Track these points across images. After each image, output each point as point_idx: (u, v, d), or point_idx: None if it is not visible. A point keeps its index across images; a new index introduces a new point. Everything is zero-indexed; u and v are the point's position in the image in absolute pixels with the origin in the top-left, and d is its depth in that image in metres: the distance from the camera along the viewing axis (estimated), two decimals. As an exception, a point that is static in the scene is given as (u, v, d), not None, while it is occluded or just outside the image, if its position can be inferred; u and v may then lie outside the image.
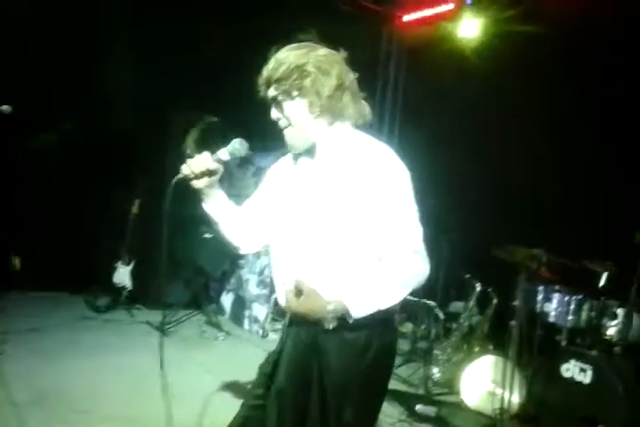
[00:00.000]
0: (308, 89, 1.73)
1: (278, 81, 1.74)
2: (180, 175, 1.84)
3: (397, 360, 4.70)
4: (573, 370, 3.42)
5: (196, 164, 1.81)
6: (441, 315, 4.74)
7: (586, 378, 3.35)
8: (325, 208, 1.74)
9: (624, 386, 3.10)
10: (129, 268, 5.55)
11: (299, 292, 1.68)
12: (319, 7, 6.12)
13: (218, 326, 5.27)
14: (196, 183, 1.84)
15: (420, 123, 6.51)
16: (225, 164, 1.88)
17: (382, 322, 1.77)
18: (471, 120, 5.80)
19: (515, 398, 3.62)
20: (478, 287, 4.48)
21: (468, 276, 4.61)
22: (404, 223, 1.71)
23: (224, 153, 1.86)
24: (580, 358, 3.41)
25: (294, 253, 1.82)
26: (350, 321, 1.68)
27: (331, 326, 1.68)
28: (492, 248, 3.94)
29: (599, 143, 4.59)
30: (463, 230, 5.11)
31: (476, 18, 5.83)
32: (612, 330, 3.55)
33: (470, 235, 5.10)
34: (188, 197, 1.94)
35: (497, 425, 3.56)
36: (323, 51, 1.79)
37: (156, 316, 5.26)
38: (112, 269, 5.57)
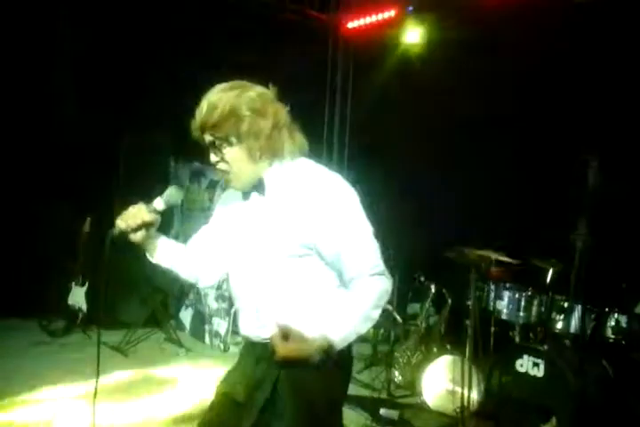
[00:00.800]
0: (245, 134, 1.72)
1: (214, 127, 1.72)
2: (115, 230, 1.79)
3: (359, 365, 4.82)
4: (527, 365, 3.53)
5: (132, 217, 1.78)
6: (398, 318, 4.82)
7: (539, 372, 3.48)
8: (280, 241, 1.75)
9: (574, 377, 3.22)
10: (83, 289, 5.45)
11: (285, 336, 1.63)
12: (264, 17, 6.18)
13: (178, 343, 5.23)
14: (134, 237, 1.81)
15: (369, 127, 6.62)
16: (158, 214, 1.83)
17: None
18: (418, 125, 5.94)
19: (474, 396, 3.72)
20: (433, 289, 4.59)
21: (422, 278, 4.71)
22: (361, 247, 1.73)
23: (159, 203, 1.83)
24: (533, 352, 3.53)
25: (255, 286, 1.82)
26: (335, 353, 1.68)
27: (317, 361, 1.65)
28: (444, 250, 4.05)
29: (540, 145, 4.78)
30: (414, 234, 5.23)
31: (417, 25, 5.98)
32: (560, 324, 3.69)
33: (422, 238, 5.23)
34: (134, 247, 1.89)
35: (458, 424, 3.65)
36: (254, 90, 1.77)
37: (114, 336, 5.18)
38: (66, 291, 5.46)
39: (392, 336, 4.98)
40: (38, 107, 5.52)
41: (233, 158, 1.75)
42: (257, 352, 1.85)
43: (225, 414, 1.88)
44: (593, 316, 3.67)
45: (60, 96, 5.74)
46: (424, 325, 4.62)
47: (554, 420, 3.40)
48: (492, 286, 4.07)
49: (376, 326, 5.17)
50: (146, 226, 1.80)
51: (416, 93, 5.80)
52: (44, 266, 5.67)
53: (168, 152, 6.20)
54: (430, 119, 5.75)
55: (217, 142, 1.74)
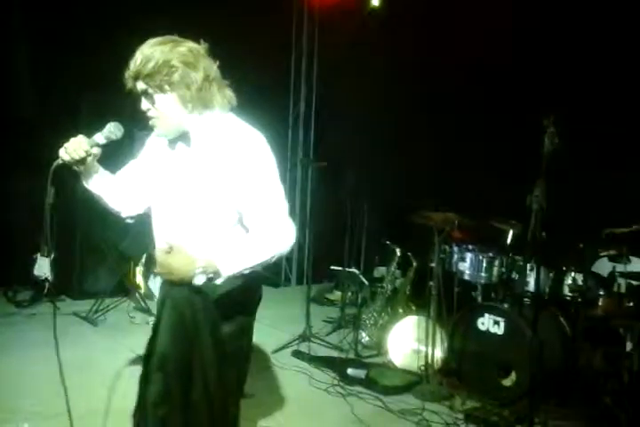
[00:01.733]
0: (177, 83, 1.83)
1: (148, 76, 1.82)
2: (58, 161, 1.91)
3: (328, 328, 4.93)
4: (488, 323, 3.66)
5: (74, 149, 1.89)
6: (365, 281, 4.92)
7: (499, 329, 3.61)
8: (198, 184, 1.88)
9: (533, 334, 3.34)
10: (49, 259, 5.39)
11: (169, 249, 1.77)
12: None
13: (147, 311, 5.25)
14: (77, 168, 1.96)
15: (334, 92, 6.61)
16: (99, 147, 1.95)
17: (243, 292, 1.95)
18: (384, 90, 5.95)
19: (438, 354, 3.85)
20: (398, 252, 4.68)
21: (387, 242, 4.79)
22: (268, 198, 1.86)
23: (99, 137, 1.94)
24: (493, 311, 3.66)
25: (170, 222, 1.98)
26: (220, 280, 1.79)
27: (200, 283, 1.77)
28: (408, 213, 4.12)
29: (500, 106, 4.85)
30: (380, 199, 5.30)
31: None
32: (520, 283, 3.81)
33: (387, 202, 5.30)
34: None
35: (422, 380, 3.79)
36: (186, 45, 1.87)
37: (81, 306, 5.17)
38: (31, 262, 5.40)
39: (359, 299, 5.08)
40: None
41: (164, 105, 1.87)
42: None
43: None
44: (551, 275, 3.79)
45: (18, 63, 5.56)
46: (390, 287, 4.73)
47: (513, 375, 3.55)
48: (455, 248, 4.17)
49: (344, 290, 5.27)
50: (87, 157, 1.92)
51: (378, 54, 5.81)
52: (8, 238, 5.59)
53: (130, 120, 6.09)
54: (393, 83, 5.77)
55: (149, 90, 1.85)
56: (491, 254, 4.02)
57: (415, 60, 5.51)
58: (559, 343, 3.60)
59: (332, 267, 4.99)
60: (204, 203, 1.89)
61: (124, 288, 5.51)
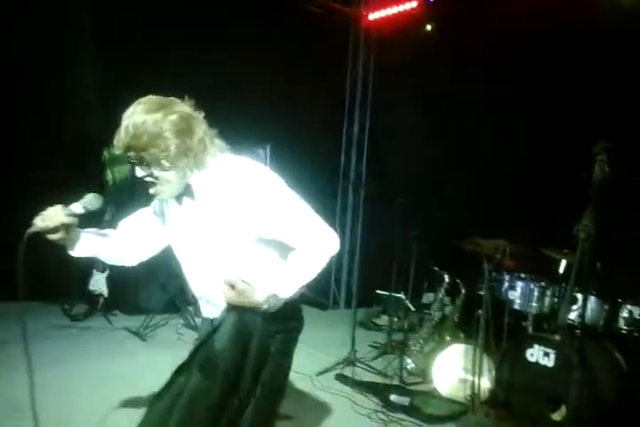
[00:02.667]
0: (175, 156, 1.78)
1: (142, 151, 1.75)
2: (33, 229, 1.88)
3: (373, 353, 4.88)
4: (537, 354, 3.55)
5: (50, 218, 1.86)
6: (411, 306, 4.86)
7: (549, 361, 3.49)
8: (214, 231, 1.90)
9: (585, 368, 3.23)
10: (104, 275, 5.57)
11: (232, 286, 1.86)
12: (287, 10, 6.23)
13: (196, 329, 5.32)
14: (51, 237, 1.91)
15: (389, 120, 6.65)
16: (76, 216, 1.94)
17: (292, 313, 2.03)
18: (438, 117, 5.95)
19: (485, 384, 3.75)
20: (447, 279, 4.62)
21: (436, 268, 4.74)
22: (295, 218, 1.89)
23: (77, 207, 1.94)
24: (544, 342, 3.55)
25: (201, 269, 2.01)
26: (281, 302, 1.89)
27: (265, 309, 1.88)
28: (459, 240, 4.07)
29: (552, 135, 4.78)
30: (430, 224, 5.25)
31: (437, 16, 5.97)
32: (573, 314, 3.69)
33: (437, 228, 5.25)
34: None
35: (469, 411, 3.69)
36: (176, 111, 1.79)
37: (133, 321, 5.30)
38: (87, 277, 5.58)
39: (406, 325, 5.01)
40: (61, 102, 5.60)
41: (164, 178, 1.83)
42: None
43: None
44: (606, 307, 3.66)
45: (80, 92, 5.83)
46: (438, 314, 4.66)
47: (563, 409, 3.41)
48: (506, 277, 4.09)
49: (391, 315, 5.22)
50: (63, 227, 1.89)
51: (435, 82, 5.82)
52: (65, 253, 5.79)
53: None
54: (449, 110, 5.76)
55: (145, 162, 1.79)
56: (542, 284, 3.93)
57: (471, 85, 5.49)
58: (613, 379, 3.45)
59: (379, 291, 4.95)
60: (226, 245, 1.91)
61: (175, 305, 5.61)
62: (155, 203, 2.11)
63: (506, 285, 4.09)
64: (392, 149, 6.45)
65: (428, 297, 5.67)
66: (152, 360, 4.43)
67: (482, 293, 3.88)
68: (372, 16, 6.87)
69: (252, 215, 1.85)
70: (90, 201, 1.97)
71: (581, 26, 4.66)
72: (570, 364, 3.35)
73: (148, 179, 1.84)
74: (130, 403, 3.54)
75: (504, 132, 5.21)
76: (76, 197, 1.99)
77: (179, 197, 1.95)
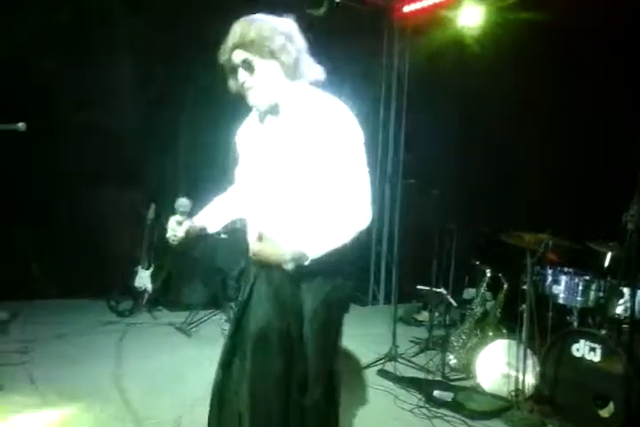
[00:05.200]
0: (278, 51, 1.91)
1: (250, 44, 1.90)
2: (172, 244, 2.15)
3: (415, 349, 4.86)
4: (583, 349, 3.49)
5: (172, 233, 2.11)
6: (453, 302, 4.83)
7: (596, 357, 3.42)
8: (286, 159, 1.94)
9: (632, 363, 3.16)
10: (149, 272, 5.70)
11: (260, 238, 1.92)
12: (320, 1, 6.22)
13: (238, 324, 5.40)
14: (187, 241, 2.14)
15: (424, 113, 6.60)
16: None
17: (333, 271, 2.00)
18: (473, 109, 5.88)
19: (529, 380, 3.71)
20: (488, 273, 4.57)
21: (477, 262, 4.69)
22: (350, 171, 1.90)
23: (178, 218, 2.13)
24: (589, 337, 3.48)
25: (260, 201, 2.05)
26: (307, 262, 1.88)
27: (290, 268, 1.88)
28: (500, 234, 4.02)
29: (594, 133, 4.67)
30: (470, 218, 5.20)
31: (475, 6, 5.87)
32: (619, 308, 3.61)
33: (478, 222, 5.19)
34: (200, 200, 2.20)
35: (513, 407, 3.65)
36: (279, 19, 1.98)
37: (177, 317, 5.41)
38: (132, 274, 5.72)
39: (447, 320, 4.98)
40: (96, 91, 5.69)
41: (264, 71, 1.94)
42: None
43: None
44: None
45: (124, 86, 5.92)
46: (480, 309, 4.61)
47: (611, 406, 3.35)
48: (549, 271, 4.02)
49: (432, 311, 5.20)
50: (184, 230, 2.11)
51: (472, 76, 5.75)
52: (111, 250, 5.96)
53: (228, 133, 6.34)
54: (484, 102, 5.68)
55: (249, 58, 1.92)
56: (587, 278, 3.85)
57: (508, 80, 5.40)
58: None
59: (419, 286, 4.93)
60: (291, 174, 1.93)
61: (218, 301, 5.70)
62: (243, 127, 2.20)
63: (549, 279, 4.02)
64: (429, 143, 6.40)
65: (469, 292, 5.62)
66: (197, 355, 4.52)
67: (525, 287, 3.84)
68: (407, 8, 6.82)
69: (319, 148, 1.88)
70: (182, 206, 2.14)
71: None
72: (617, 359, 3.30)
73: (248, 82, 1.94)
74: (175, 397, 3.62)
75: (550, 125, 5.11)
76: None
77: (263, 115, 2.04)
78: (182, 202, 2.15)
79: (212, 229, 2.24)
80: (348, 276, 2.08)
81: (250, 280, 2.09)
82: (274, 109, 1.99)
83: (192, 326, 5.25)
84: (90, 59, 5.47)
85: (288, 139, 1.93)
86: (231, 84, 2.02)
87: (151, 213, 5.69)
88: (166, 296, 5.91)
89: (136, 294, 5.65)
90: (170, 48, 5.62)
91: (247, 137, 2.14)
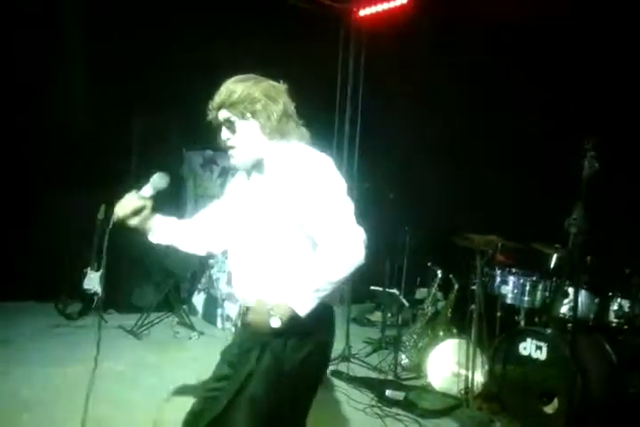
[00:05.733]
0: (259, 112, 1.96)
1: (232, 105, 1.96)
2: (114, 217, 2.06)
3: (368, 349, 4.91)
4: (530, 348, 3.59)
5: (125, 205, 2.05)
6: (405, 302, 4.90)
7: (542, 355, 3.53)
8: (270, 216, 1.95)
9: (576, 361, 3.28)
10: (98, 273, 5.57)
11: (246, 310, 1.95)
12: (275, 5, 6.22)
13: (191, 327, 5.35)
14: (132, 222, 2.08)
15: (378, 117, 6.67)
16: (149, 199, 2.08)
17: (317, 323, 1.94)
18: (428, 112, 5.97)
19: (478, 378, 3.80)
20: (440, 274, 4.66)
21: (429, 263, 4.78)
22: (337, 218, 1.88)
23: (147, 190, 2.08)
24: (536, 336, 3.59)
25: (244, 248, 2.05)
26: (300, 318, 1.85)
27: (276, 326, 1.85)
28: (451, 235, 4.11)
29: (541, 131, 4.83)
30: (422, 220, 5.29)
31: (427, 12, 5.97)
32: (564, 308, 3.74)
33: (429, 224, 5.29)
34: (155, 201, 2.12)
35: (462, 405, 3.74)
36: (268, 82, 2.02)
37: (128, 320, 5.31)
38: (81, 276, 5.58)
39: (400, 320, 5.05)
40: (50, 94, 5.59)
41: (245, 132, 1.98)
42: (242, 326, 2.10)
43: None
44: (596, 300, 3.72)
45: (72, 82, 5.80)
46: (431, 309, 4.70)
47: (556, 402, 3.46)
48: (498, 271, 4.13)
49: (384, 311, 5.26)
50: (139, 211, 2.06)
51: (427, 79, 5.85)
52: (60, 251, 5.80)
53: (180, 140, 6.29)
54: (439, 106, 5.79)
55: (232, 118, 1.98)
56: (534, 278, 3.98)
57: (462, 81, 5.52)
58: (605, 371, 3.51)
59: (372, 287, 4.99)
60: (276, 228, 1.94)
61: (169, 304, 5.63)
62: (230, 186, 2.23)
63: (498, 279, 4.14)
64: (383, 146, 6.48)
65: (421, 292, 5.72)
66: (147, 359, 4.46)
67: (474, 288, 3.94)
68: (363, 12, 6.89)
69: (301, 198, 1.88)
70: (156, 181, 2.08)
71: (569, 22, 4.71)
72: (561, 357, 3.41)
73: (231, 141, 2.00)
74: (127, 402, 3.57)
75: (496, 129, 5.25)
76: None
77: (249, 172, 2.08)
78: (157, 178, 2.07)
79: (153, 237, 2.17)
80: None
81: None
82: (258, 167, 2.03)
83: (143, 328, 5.17)
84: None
85: (272, 196, 1.95)
86: (219, 139, 2.06)
87: (101, 214, 5.56)
88: (117, 298, 5.79)
89: (85, 297, 5.52)
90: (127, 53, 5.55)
91: (236, 191, 2.17)
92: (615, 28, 4.53)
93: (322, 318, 1.96)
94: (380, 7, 6.68)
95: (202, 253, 2.27)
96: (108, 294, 5.61)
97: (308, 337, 1.94)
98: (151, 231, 2.14)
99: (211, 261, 5.81)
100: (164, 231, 2.16)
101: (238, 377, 1.94)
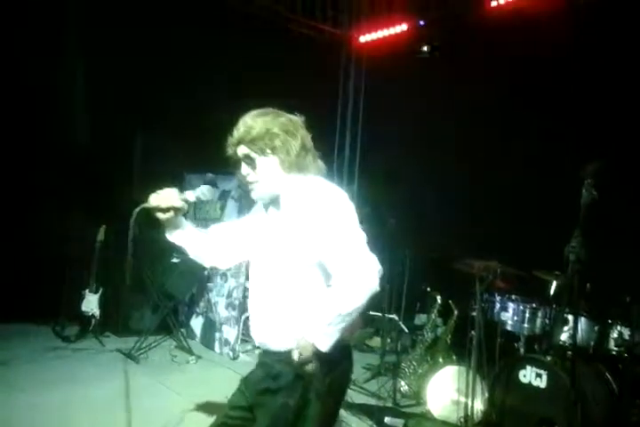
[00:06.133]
0: (279, 148, 1.99)
1: (252, 141, 1.98)
2: (146, 204, 2.03)
3: (367, 375, 4.88)
4: (530, 375, 3.57)
5: (164, 198, 2.04)
6: (404, 328, 4.88)
7: (542, 383, 3.51)
8: (284, 249, 1.96)
9: (577, 389, 3.26)
10: (97, 296, 5.56)
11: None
12: (278, 31, 6.33)
13: (188, 350, 5.31)
14: (160, 215, 2.07)
15: (378, 144, 6.73)
16: (188, 204, 2.08)
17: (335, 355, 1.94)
18: (428, 140, 6.03)
19: (478, 406, 3.77)
20: (439, 300, 4.65)
21: (428, 289, 4.77)
22: (349, 252, 1.87)
23: (191, 195, 2.07)
24: (536, 363, 3.57)
25: (264, 279, 2.05)
26: (321, 351, 1.87)
27: (310, 368, 1.88)
28: (451, 261, 4.11)
29: (540, 159, 4.87)
30: (422, 245, 5.30)
31: (429, 39, 6.08)
32: (564, 335, 3.73)
33: (429, 249, 5.30)
34: (155, 223, 2.12)
35: (462, 433, 3.70)
36: (286, 116, 2.05)
37: (126, 343, 5.28)
38: (79, 298, 5.56)
39: (399, 347, 5.02)
40: (52, 112, 5.62)
41: (265, 168, 2.01)
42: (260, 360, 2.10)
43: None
44: (596, 328, 3.71)
45: (74, 100, 5.84)
46: (430, 335, 4.68)
47: (556, 430, 3.43)
48: (498, 298, 4.13)
49: (384, 337, 5.23)
50: (174, 210, 2.06)
51: (427, 106, 5.92)
52: (58, 273, 5.78)
53: (181, 163, 6.33)
54: (439, 134, 5.86)
55: (252, 155, 2.00)
56: (534, 305, 3.98)
57: (463, 113, 5.59)
58: (605, 400, 3.48)
59: (371, 312, 4.97)
60: (288, 261, 1.95)
61: (168, 327, 5.60)
62: (254, 211, 2.25)
63: (498, 306, 4.13)
64: (384, 172, 6.53)
65: (420, 318, 5.69)
66: (146, 382, 4.42)
67: (474, 314, 3.92)
68: (364, 38, 7.01)
69: (318, 239, 1.89)
70: (204, 192, 2.09)
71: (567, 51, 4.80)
72: (561, 385, 3.39)
73: (251, 176, 2.02)
74: (125, 425, 3.53)
75: (496, 156, 5.30)
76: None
77: (267, 206, 2.10)
78: (207, 189, 2.09)
79: (170, 235, 2.17)
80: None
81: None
82: (275, 202, 2.06)
83: (141, 351, 5.14)
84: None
85: (287, 231, 1.97)
86: (238, 174, 2.09)
87: (100, 236, 5.58)
88: (115, 321, 5.77)
89: (83, 319, 5.50)
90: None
91: (256, 223, 2.18)
92: (610, 52, 4.62)
93: (344, 346, 2.00)
94: (380, 33, 6.81)
95: (207, 264, 2.28)
96: (106, 316, 5.62)
97: (334, 366, 1.97)
98: (172, 231, 2.15)
99: (209, 284, 5.80)
100: (183, 234, 2.16)
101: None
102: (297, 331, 1.90)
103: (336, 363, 1.97)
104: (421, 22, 6.39)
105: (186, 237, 2.17)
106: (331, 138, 7.07)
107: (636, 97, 4.45)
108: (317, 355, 1.86)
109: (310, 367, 1.87)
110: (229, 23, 5.97)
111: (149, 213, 2.07)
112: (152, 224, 2.14)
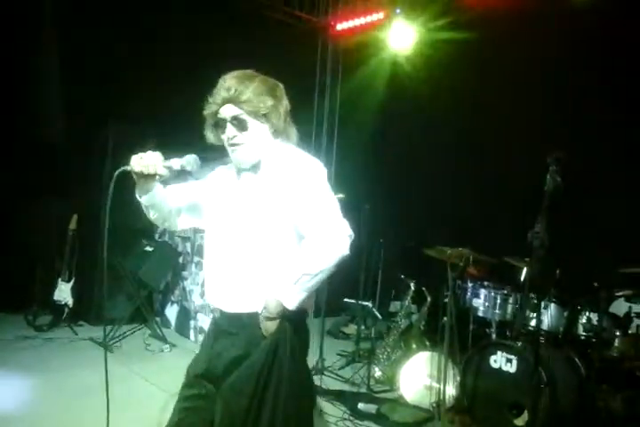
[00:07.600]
0: (271, 112, 1.96)
1: (245, 102, 1.91)
2: (127, 167, 1.91)
3: (341, 361, 4.90)
4: (500, 361, 3.62)
5: (147, 164, 1.90)
6: (378, 314, 4.91)
7: (512, 368, 3.56)
8: (259, 207, 1.94)
9: (546, 373, 3.31)
10: (69, 284, 5.50)
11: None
12: (254, 18, 6.25)
13: (163, 339, 5.29)
14: (140, 180, 1.96)
15: (354, 130, 6.73)
16: (171, 172, 1.95)
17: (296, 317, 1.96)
18: (402, 127, 6.05)
19: (450, 391, 3.82)
20: (413, 287, 4.68)
21: (403, 276, 4.80)
22: (323, 213, 1.90)
23: (176, 163, 1.94)
24: (506, 349, 3.62)
25: (226, 246, 2.00)
26: (290, 311, 1.89)
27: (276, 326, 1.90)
28: (424, 248, 4.14)
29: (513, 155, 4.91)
30: (396, 233, 5.32)
31: (406, 26, 6.05)
32: (533, 321, 3.78)
33: (403, 236, 5.33)
34: (129, 210, 2.05)
35: (434, 418, 3.74)
36: (273, 80, 2.01)
37: (99, 332, 5.20)
38: (52, 287, 5.50)
39: (373, 333, 5.06)
40: (25, 103, 5.53)
41: (255, 131, 1.96)
42: (217, 327, 2.07)
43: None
44: (565, 313, 3.77)
45: (46, 91, 5.74)
46: (404, 322, 4.72)
47: (526, 415, 3.48)
48: (470, 284, 4.17)
49: (359, 324, 5.26)
50: (155, 176, 1.93)
51: (401, 94, 5.92)
52: (30, 262, 5.71)
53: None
54: (413, 121, 5.87)
55: (242, 116, 1.94)
56: (505, 291, 4.02)
57: (436, 103, 5.60)
58: (574, 384, 3.55)
59: (346, 299, 5.00)
60: (263, 226, 1.93)
61: (142, 315, 5.56)
62: (215, 174, 2.18)
63: (470, 292, 4.18)
64: (359, 158, 6.53)
65: (395, 305, 5.74)
66: (119, 371, 4.39)
67: (447, 300, 3.96)
68: (340, 26, 6.97)
69: (290, 196, 1.89)
70: (189, 161, 1.96)
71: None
72: (531, 370, 3.43)
73: (237, 139, 1.95)
74: (99, 414, 3.50)
75: (467, 143, 5.33)
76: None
77: (240, 173, 2.04)
78: (192, 159, 1.95)
79: (141, 196, 2.03)
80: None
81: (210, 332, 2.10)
82: (254, 167, 2.01)
83: (114, 340, 5.10)
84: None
85: (263, 195, 1.94)
86: (211, 135, 2.02)
87: (73, 224, 5.51)
88: (88, 310, 5.71)
89: (56, 308, 5.43)
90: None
91: (219, 189, 2.11)
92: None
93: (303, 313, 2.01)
94: (357, 21, 6.78)
95: (162, 225, 2.20)
96: (79, 305, 5.56)
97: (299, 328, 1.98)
98: (144, 193, 2.01)
99: (184, 273, 5.77)
100: (152, 196, 2.04)
101: (249, 377, 1.90)
102: (265, 292, 1.90)
103: (299, 325, 1.98)
104: (398, 10, 6.36)
105: (154, 199, 2.06)
106: (308, 125, 7.03)
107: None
108: (283, 313, 1.87)
109: (276, 325, 1.88)
110: (205, 9, 5.88)
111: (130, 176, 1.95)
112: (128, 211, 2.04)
